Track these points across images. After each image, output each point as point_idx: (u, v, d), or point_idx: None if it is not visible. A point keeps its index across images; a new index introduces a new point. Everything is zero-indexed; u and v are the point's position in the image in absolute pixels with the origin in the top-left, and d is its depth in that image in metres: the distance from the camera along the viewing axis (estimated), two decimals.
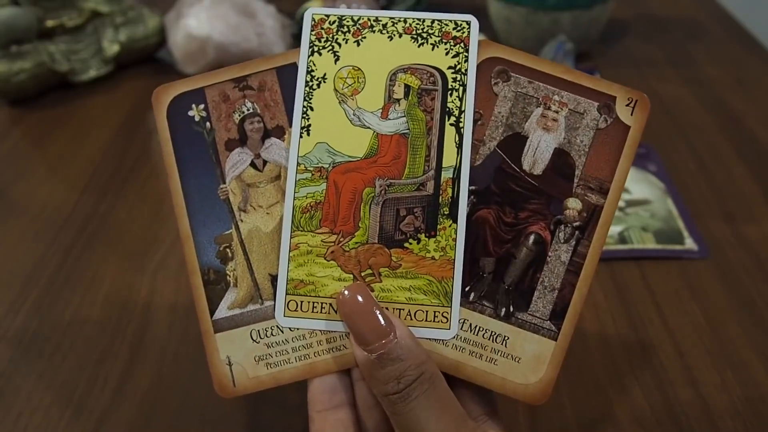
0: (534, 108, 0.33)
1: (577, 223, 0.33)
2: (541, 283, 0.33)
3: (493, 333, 0.32)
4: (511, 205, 0.33)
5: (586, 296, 0.33)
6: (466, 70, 0.33)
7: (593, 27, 0.83)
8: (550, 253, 0.33)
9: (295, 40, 0.86)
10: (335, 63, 0.34)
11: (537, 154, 0.33)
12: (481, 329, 0.32)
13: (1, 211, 0.63)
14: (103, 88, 0.82)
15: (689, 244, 0.57)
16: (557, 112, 0.33)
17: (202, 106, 0.34)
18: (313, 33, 0.34)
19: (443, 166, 0.33)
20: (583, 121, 0.33)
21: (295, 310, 0.32)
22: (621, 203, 0.62)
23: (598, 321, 0.50)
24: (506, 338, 0.32)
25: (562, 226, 0.33)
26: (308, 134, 0.33)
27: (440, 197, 0.33)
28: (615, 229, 0.58)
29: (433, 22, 0.34)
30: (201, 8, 0.82)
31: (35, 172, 0.68)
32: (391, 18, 0.34)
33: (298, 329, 0.32)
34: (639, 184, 0.64)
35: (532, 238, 0.33)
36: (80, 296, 0.53)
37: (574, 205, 0.33)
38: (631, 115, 0.33)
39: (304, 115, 0.33)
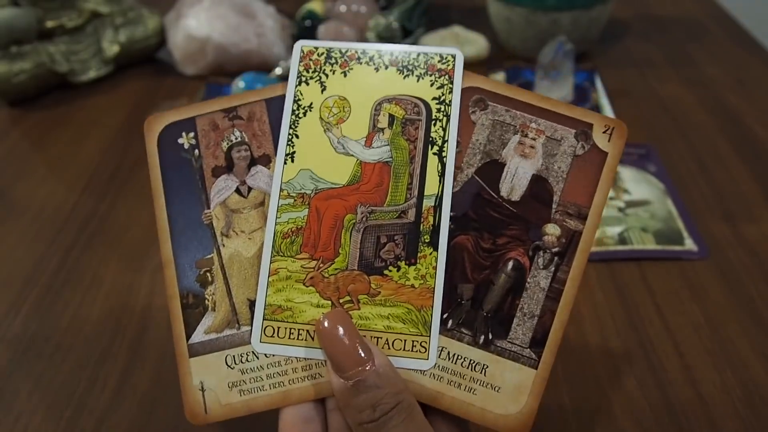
0: (511, 135, 0.34)
1: (556, 249, 0.33)
2: (520, 310, 0.32)
3: (472, 361, 0.32)
4: (490, 231, 0.33)
5: (566, 323, 0.32)
6: (450, 101, 0.34)
7: (593, 27, 0.83)
8: (529, 279, 0.33)
9: (295, 41, 0.86)
10: (322, 93, 0.35)
11: (515, 181, 0.33)
12: (459, 357, 0.32)
13: (1, 211, 0.63)
14: (102, 88, 0.82)
15: (689, 244, 0.57)
16: (534, 139, 0.33)
17: (191, 134, 0.35)
18: (302, 64, 0.35)
19: (425, 194, 0.33)
20: (561, 147, 0.33)
21: (271, 336, 0.32)
22: (621, 204, 0.62)
23: (598, 321, 0.50)
24: (485, 367, 0.32)
25: (541, 252, 0.33)
26: (292, 161, 0.34)
27: (421, 225, 0.33)
28: (615, 230, 0.59)
29: (418, 55, 0.35)
30: (201, 9, 0.82)
31: (35, 172, 0.68)
32: (378, 51, 0.35)
33: (273, 356, 0.32)
34: (639, 185, 0.64)
35: (510, 264, 0.33)
36: (80, 296, 0.53)
37: (552, 230, 0.33)
38: (609, 141, 0.33)
39: (289, 143, 0.34)
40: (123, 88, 0.82)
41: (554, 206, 0.33)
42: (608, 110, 0.75)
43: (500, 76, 0.82)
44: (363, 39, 0.84)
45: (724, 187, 0.64)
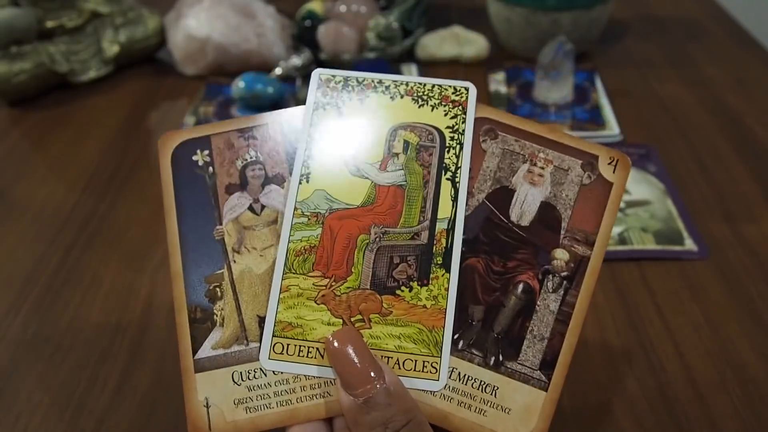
0: (521, 164, 0.35)
1: (564, 273, 0.33)
2: (530, 332, 0.33)
3: (482, 382, 0.32)
4: (500, 254, 0.33)
5: (575, 346, 0.32)
6: (463, 130, 0.35)
7: (593, 27, 0.83)
8: (538, 302, 0.33)
9: (295, 41, 0.86)
10: (338, 118, 0.35)
11: (524, 207, 0.34)
12: (469, 378, 0.32)
13: (1, 211, 0.63)
14: (102, 88, 0.82)
15: (689, 244, 0.57)
16: (543, 168, 0.35)
17: (206, 152, 0.35)
18: (319, 91, 0.36)
19: (438, 217, 0.34)
20: (568, 177, 0.34)
21: (280, 353, 0.32)
22: (621, 204, 0.62)
23: (598, 321, 0.50)
24: (495, 388, 0.32)
25: (550, 276, 0.33)
26: (307, 182, 0.34)
27: (434, 247, 0.33)
28: (615, 230, 0.58)
29: (433, 86, 0.36)
30: (201, 9, 0.82)
31: (35, 172, 0.68)
32: (394, 81, 0.36)
33: (282, 373, 0.32)
34: (639, 185, 0.64)
35: (521, 287, 0.33)
36: (80, 296, 0.53)
37: (561, 255, 0.34)
38: (613, 172, 0.34)
39: (305, 164, 0.34)
40: (123, 88, 0.82)
41: (563, 232, 0.34)
42: (608, 110, 0.75)
43: (500, 76, 0.82)
44: (363, 39, 0.84)
45: (724, 187, 0.64)
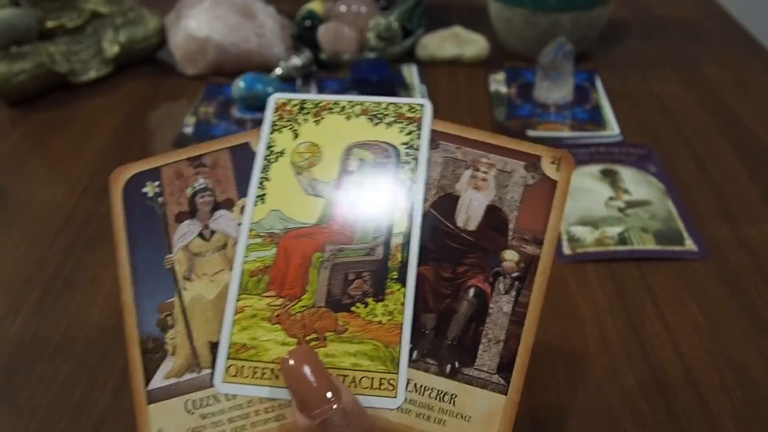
0: (464, 170, 0.35)
1: (515, 274, 0.33)
2: (485, 336, 0.33)
3: (440, 392, 0.32)
4: (449, 260, 0.33)
5: (532, 346, 0.32)
6: (418, 146, 0.35)
7: (593, 28, 0.83)
8: (491, 305, 0.33)
9: (295, 41, 0.86)
10: (294, 139, 0.36)
11: (470, 212, 0.34)
12: (427, 389, 0.32)
13: (2, 211, 0.63)
14: (103, 88, 0.82)
15: (689, 244, 0.57)
16: (486, 172, 0.35)
17: (156, 183, 0.36)
18: (276, 114, 0.37)
19: (394, 232, 0.34)
20: (512, 179, 0.35)
21: (235, 376, 0.32)
22: (621, 204, 0.62)
23: (598, 321, 0.51)
24: (454, 396, 0.32)
25: (501, 278, 0.33)
26: (263, 202, 0.35)
27: (389, 262, 0.33)
28: (615, 230, 0.59)
29: (388, 105, 0.37)
30: (201, 9, 0.82)
31: (35, 172, 0.68)
32: (349, 101, 0.37)
33: (235, 398, 0.32)
34: (639, 185, 0.64)
35: (472, 291, 0.33)
36: (80, 297, 0.53)
37: (510, 257, 0.34)
38: (557, 171, 0.35)
39: (260, 185, 0.35)
40: (123, 88, 0.82)
41: (510, 233, 0.34)
42: (608, 111, 0.75)
43: (500, 76, 0.82)
44: (363, 39, 0.84)
45: (724, 187, 0.64)
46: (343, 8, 0.87)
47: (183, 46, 0.82)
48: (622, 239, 0.58)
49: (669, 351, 0.48)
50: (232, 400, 0.32)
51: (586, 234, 0.58)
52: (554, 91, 0.76)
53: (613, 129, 0.72)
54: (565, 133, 0.72)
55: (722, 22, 0.97)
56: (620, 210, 0.61)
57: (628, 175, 0.65)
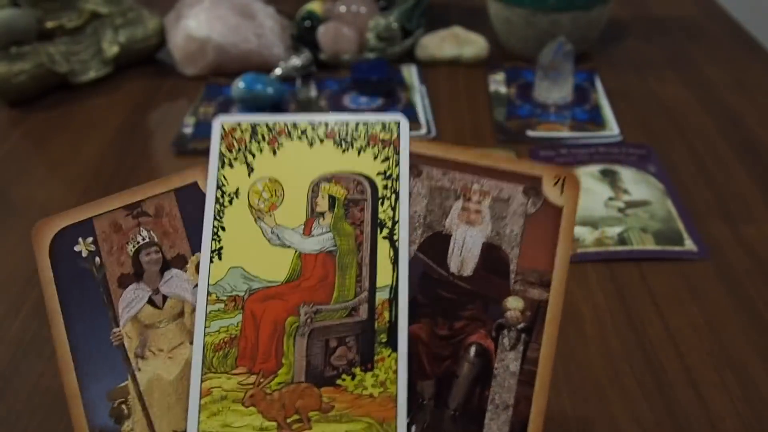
0: (453, 201, 0.30)
1: (521, 325, 0.29)
2: (491, 402, 0.29)
3: None
4: (444, 315, 0.29)
5: (545, 408, 0.28)
6: (398, 175, 0.30)
7: (593, 28, 0.83)
8: (496, 365, 0.29)
9: (295, 42, 0.86)
10: (249, 176, 0.30)
11: (464, 253, 0.30)
12: None
13: (1, 211, 0.63)
14: (102, 89, 0.82)
15: (689, 245, 0.57)
16: (479, 202, 0.30)
17: (90, 239, 0.31)
18: (223, 144, 0.31)
19: (378, 286, 0.29)
20: (510, 208, 0.30)
21: None
22: (621, 204, 0.62)
23: (598, 322, 0.50)
24: None
25: (506, 331, 0.29)
26: (219, 258, 0.29)
27: (376, 323, 0.29)
28: (615, 230, 0.59)
29: (357, 124, 0.31)
30: (201, 9, 0.82)
31: (35, 173, 0.68)
32: (310, 122, 0.31)
33: None
34: (638, 185, 0.64)
35: (473, 350, 0.29)
36: None
37: (515, 304, 0.29)
38: (561, 194, 0.30)
39: (215, 237, 0.30)
40: (123, 88, 0.82)
41: (512, 276, 0.30)
42: (608, 111, 0.75)
43: (500, 76, 0.82)
44: (363, 40, 0.84)
45: (724, 187, 0.64)
46: (342, 8, 0.87)
47: (183, 47, 0.82)
48: (622, 239, 0.58)
49: (669, 351, 0.48)
50: None
51: (586, 234, 0.58)
52: (554, 91, 0.76)
53: (612, 129, 0.72)
54: (565, 133, 0.72)
55: (722, 22, 0.97)
56: (620, 210, 0.61)
57: (627, 175, 0.65)
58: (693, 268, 0.55)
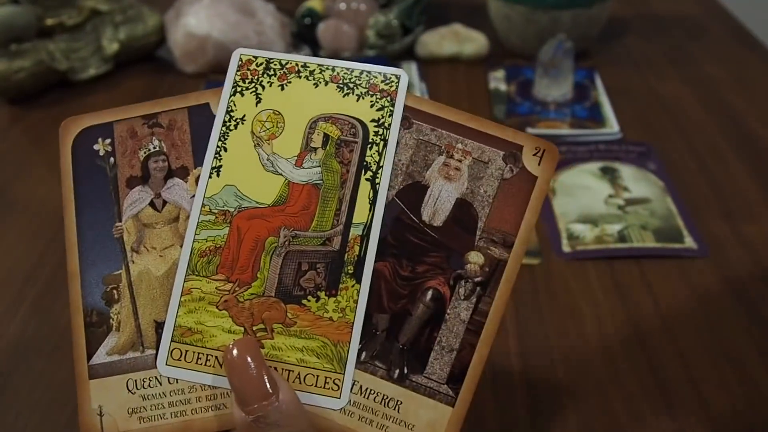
0: (436, 156, 0.32)
1: (478, 279, 0.31)
2: (438, 343, 0.31)
3: (385, 397, 0.30)
4: (409, 258, 0.31)
5: (486, 358, 0.30)
6: (389, 125, 0.32)
7: (593, 26, 0.83)
8: (448, 311, 0.31)
9: (295, 39, 0.86)
10: (256, 105, 0.33)
11: (437, 205, 0.31)
12: (372, 392, 0.30)
13: (1, 209, 0.63)
14: (102, 86, 0.82)
15: (689, 242, 0.57)
16: (460, 160, 0.32)
17: (108, 141, 0.33)
18: (239, 73, 0.33)
19: (353, 222, 0.31)
20: (488, 170, 0.31)
21: (178, 359, 0.30)
22: (621, 202, 0.62)
23: (598, 320, 0.51)
24: (399, 403, 0.30)
25: (463, 282, 0.31)
26: (218, 175, 0.32)
27: (346, 255, 0.31)
28: (615, 228, 0.59)
29: (361, 72, 0.33)
30: (200, 7, 0.82)
31: (34, 170, 0.68)
32: (319, 65, 0.33)
33: (177, 381, 0.30)
34: (639, 183, 0.64)
35: (429, 293, 0.31)
36: None
37: (475, 259, 0.31)
38: (539, 165, 0.31)
39: (216, 156, 0.32)
40: (123, 86, 0.82)
41: (478, 233, 0.31)
42: (608, 108, 0.75)
43: (500, 73, 0.82)
44: (363, 37, 0.84)
45: (724, 185, 0.64)
46: (342, 6, 0.87)
47: (182, 44, 0.82)
48: (622, 237, 0.58)
49: (668, 350, 0.48)
50: (174, 384, 0.31)
51: (586, 231, 0.58)
52: (554, 88, 0.76)
53: (612, 126, 0.72)
54: (565, 130, 0.72)
55: (722, 21, 0.97)
56: (620, 207, 0.61)
57: (627, 172, 0.65)
58: (693, 265, 0.55)
